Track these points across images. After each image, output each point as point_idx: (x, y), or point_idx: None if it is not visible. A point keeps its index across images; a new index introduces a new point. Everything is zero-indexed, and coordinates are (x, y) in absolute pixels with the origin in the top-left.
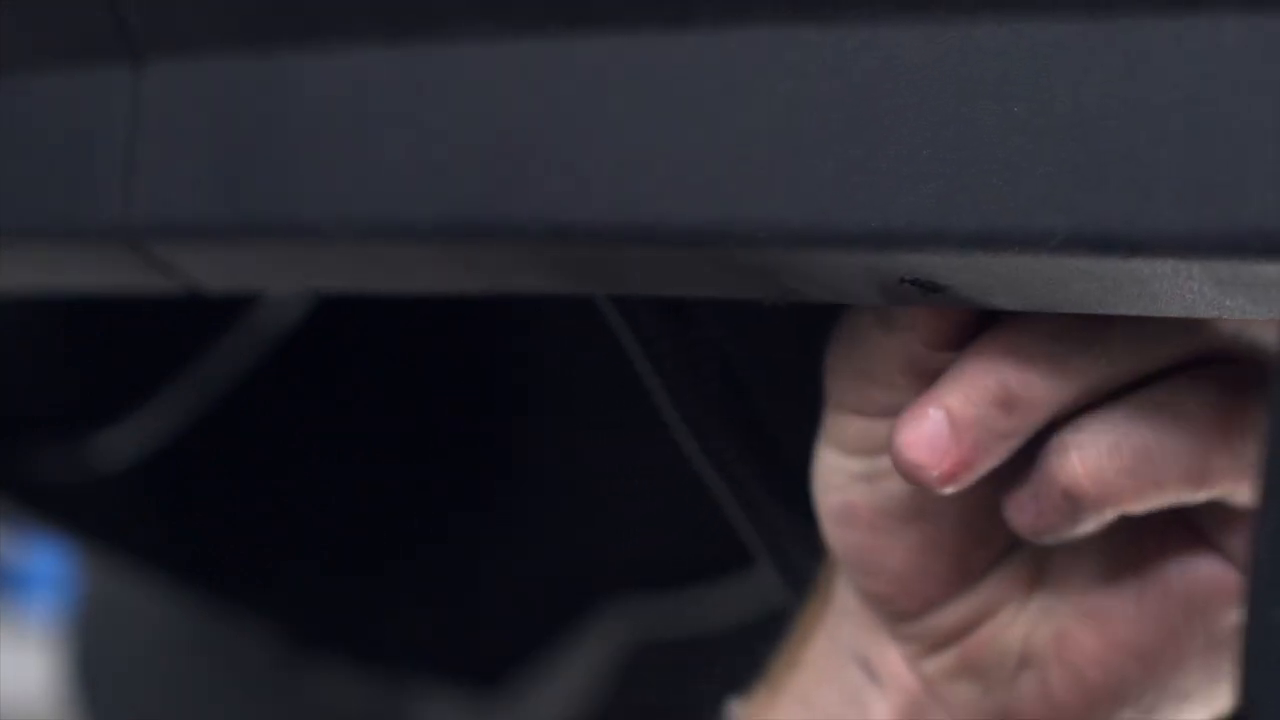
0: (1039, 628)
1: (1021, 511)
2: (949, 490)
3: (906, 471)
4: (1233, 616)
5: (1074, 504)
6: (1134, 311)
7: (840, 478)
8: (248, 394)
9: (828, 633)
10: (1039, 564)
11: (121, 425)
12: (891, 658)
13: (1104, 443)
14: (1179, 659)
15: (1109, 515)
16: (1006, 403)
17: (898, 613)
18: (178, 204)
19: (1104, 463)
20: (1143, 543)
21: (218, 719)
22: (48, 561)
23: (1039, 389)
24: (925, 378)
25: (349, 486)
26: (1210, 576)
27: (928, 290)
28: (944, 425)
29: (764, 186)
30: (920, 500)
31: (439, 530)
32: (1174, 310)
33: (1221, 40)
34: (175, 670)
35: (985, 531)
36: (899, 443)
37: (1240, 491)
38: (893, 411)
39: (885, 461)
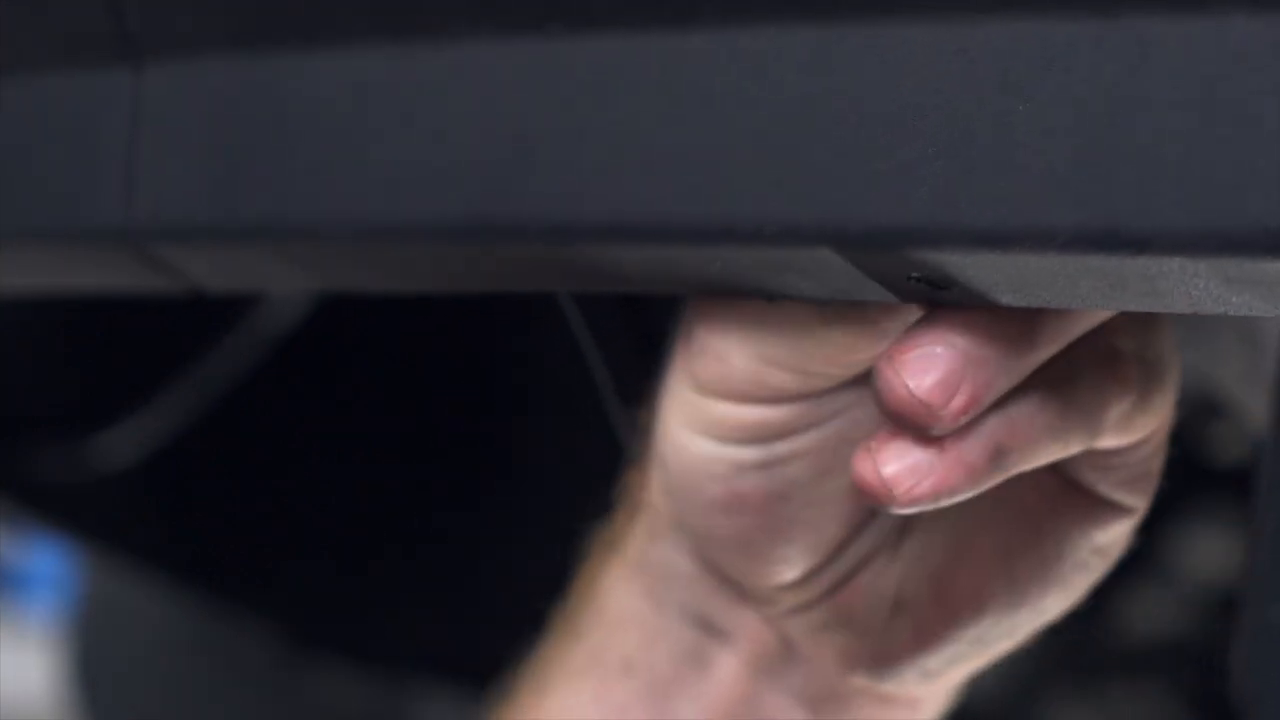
0: (912, 572)
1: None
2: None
3: (910, 412)
4: (1094, 540)
5: (1001, 460)
6: (1141, 308)
7: (725, 467)
8: (248, 394)
9: (643, 594)
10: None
11: (122, 425)
12: (742, 617)
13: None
14: (1045, 584)
15: (1024, 469)
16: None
17: (767, 586)
18: (178, 204)
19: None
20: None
21: (218, 719)
22: (48, 561)
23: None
24: (856, 369)
25: (349, 487)
26: (1073, 506)
27: (936, 287)
28: (957, 361)
29: (769, 185)
30: (816, 478)
31: (439, 530)
32: (1180, 307)
33: (1228, 38)
34: (175, 670)
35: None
36: (912, 387)
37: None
38: (798, 398)
39: (784, 447)
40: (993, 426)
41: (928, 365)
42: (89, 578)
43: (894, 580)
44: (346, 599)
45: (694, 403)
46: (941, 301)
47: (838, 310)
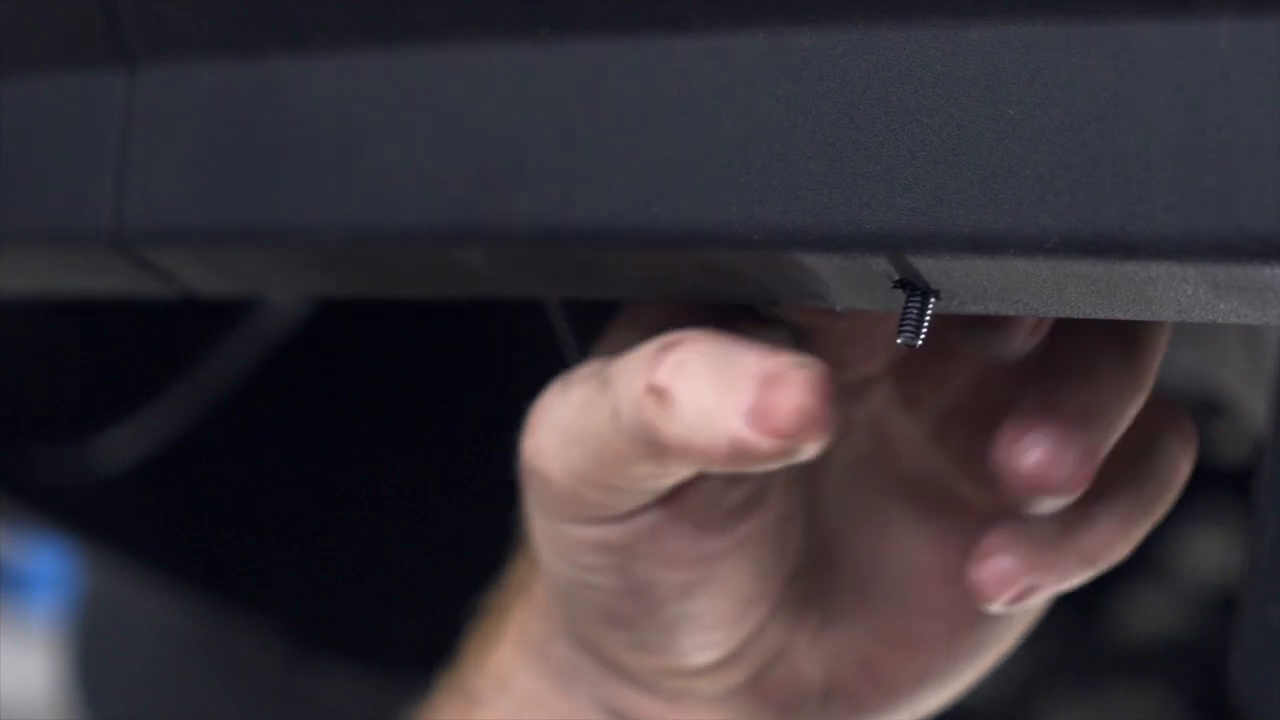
0: (841, 660)
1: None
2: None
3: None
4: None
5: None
6: (1130, 315)
7: (590, 585)
8: (249, 395)
9: (550, 681)
10: (821, 604)
11: (123, 427)
12: (658, 708)
13: None
14: (976, 649)
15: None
16: None
17: (673, 684)
18: (170, 208)
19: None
20: (925, 563)
21: (218, 719)
22: (48, 561)
23: None
24: (659, 489)
25: (350, 487)
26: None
27: (921, 294)
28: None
29: (757, 188)
30: (686, 584)
31: (440, 531)
32: (1169, 314)
33: (1216, 42)
34: (175, 670)
35: (758, 587)
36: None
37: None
38: (622, 517)
39: (638, 562)
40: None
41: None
42: (89, 578)
43: (820, 668)
44: (347, 599)
45: (544, 526)
46: (923, 308)
47: (634, 427)
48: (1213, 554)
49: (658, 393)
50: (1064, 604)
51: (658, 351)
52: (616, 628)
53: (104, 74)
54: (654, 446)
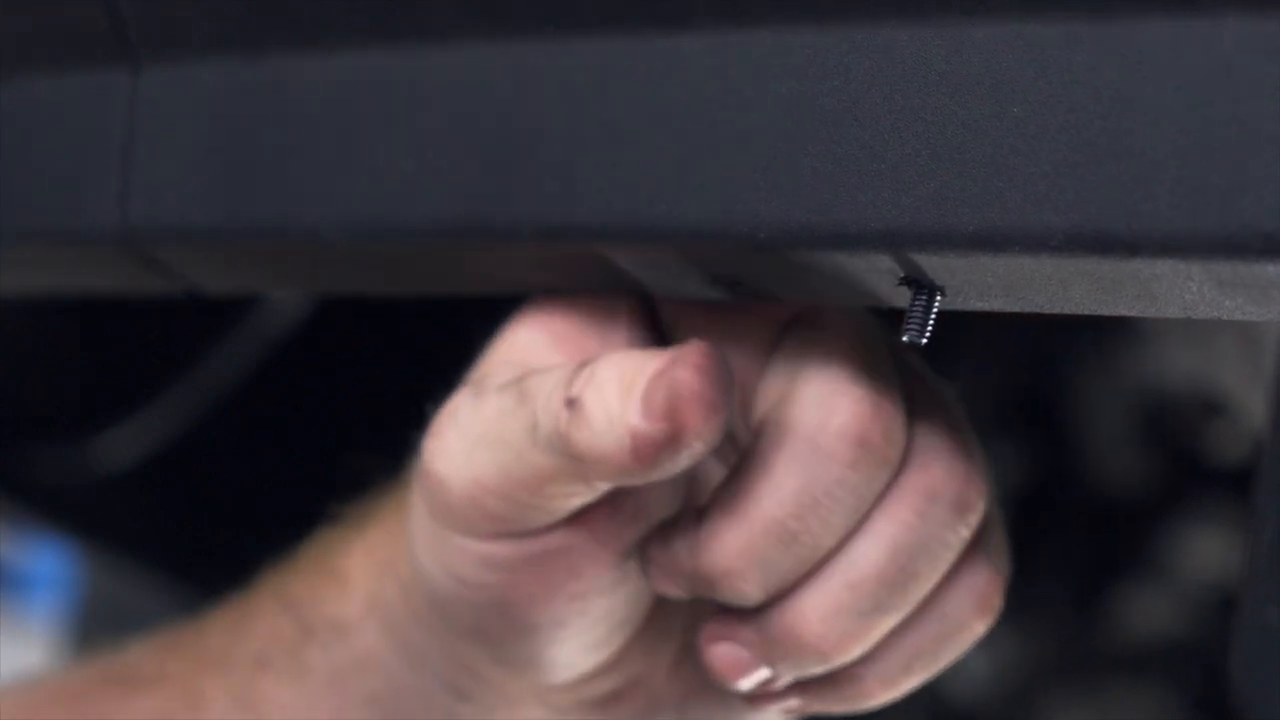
0: (698, 689)
1: None
2: None
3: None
4: None
5: None
6: (1134, 312)
7: (461, 599)
8: (249, 395)
9: (395, 651)
10: (682, 636)
11: (123, 426)
12: (509, 697)
13: None
14: None
15: None
16: None
17: (528, 689)
18: (175, 206)
19: None
20: None
21: None
22: (48, 561)
23: None
24: (561, 509)
25: (350, 487)
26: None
27: (928, 291)
28: None
29: (762, 187)
30: (561, 603)
31: None
32: (1174, 311)
33: (1221, 41)
34: None
35: (629, 612)
36: None
37: None
38: (518, 534)
39: (518, 583)
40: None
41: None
42: (89, 578)
43: (676, 691)
44: None
45: (430, 533)
46: (929, 305)
47: (549, 439)
48: (1213, 554)
49: (570, 403)
50: (1064, 604)
51: (576, 368)
52: (481, 642)
53: (108, 73)
54: (566, 457)
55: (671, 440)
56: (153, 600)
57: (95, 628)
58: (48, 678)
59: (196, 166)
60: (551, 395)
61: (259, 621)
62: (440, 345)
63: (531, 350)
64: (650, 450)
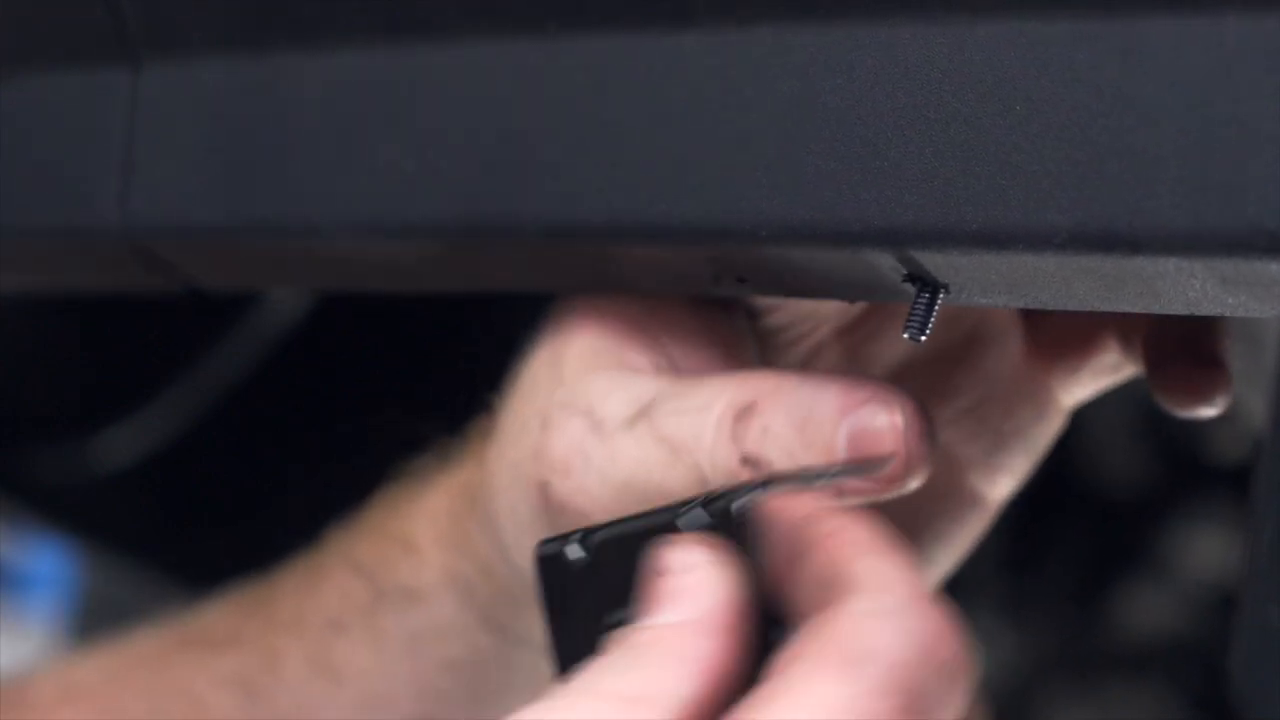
0: None
1: None
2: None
3: None
4: None
5: None
6: (1137, 309)
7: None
8: (249, 394)
9: (481, 629)
10: None
11: (122, 425)
12: None
13: None
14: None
15: None
16: None
17: None
18: (175, 204)
19: None
20: None
21: None
22: (48, 561)
23: None
24: None
25: (350, 486)
26: None
27: (931, 289)
28: None
29: (764, 185)
30: None
31: None
32: (1177, 308)
33: (1223, 39)
34: None
35: None
36: None
37: None
38: None
39: None
40: None
41: None
42: (89, 578)
43: None
44: None
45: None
46: (932, 302)
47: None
48: (1213, 554)
49: (754, 462)
50: (1064, 603)
51: (736, 420)
52: None
53: (109, 71)
54: None
55: (876, 494)
56: (152, 600)
57: (95, 627)
58: (127, 643)
59: (196, 165)
60: (717, 451)
61: (330, 584)
62: (440, 345)
63: (604, 356)
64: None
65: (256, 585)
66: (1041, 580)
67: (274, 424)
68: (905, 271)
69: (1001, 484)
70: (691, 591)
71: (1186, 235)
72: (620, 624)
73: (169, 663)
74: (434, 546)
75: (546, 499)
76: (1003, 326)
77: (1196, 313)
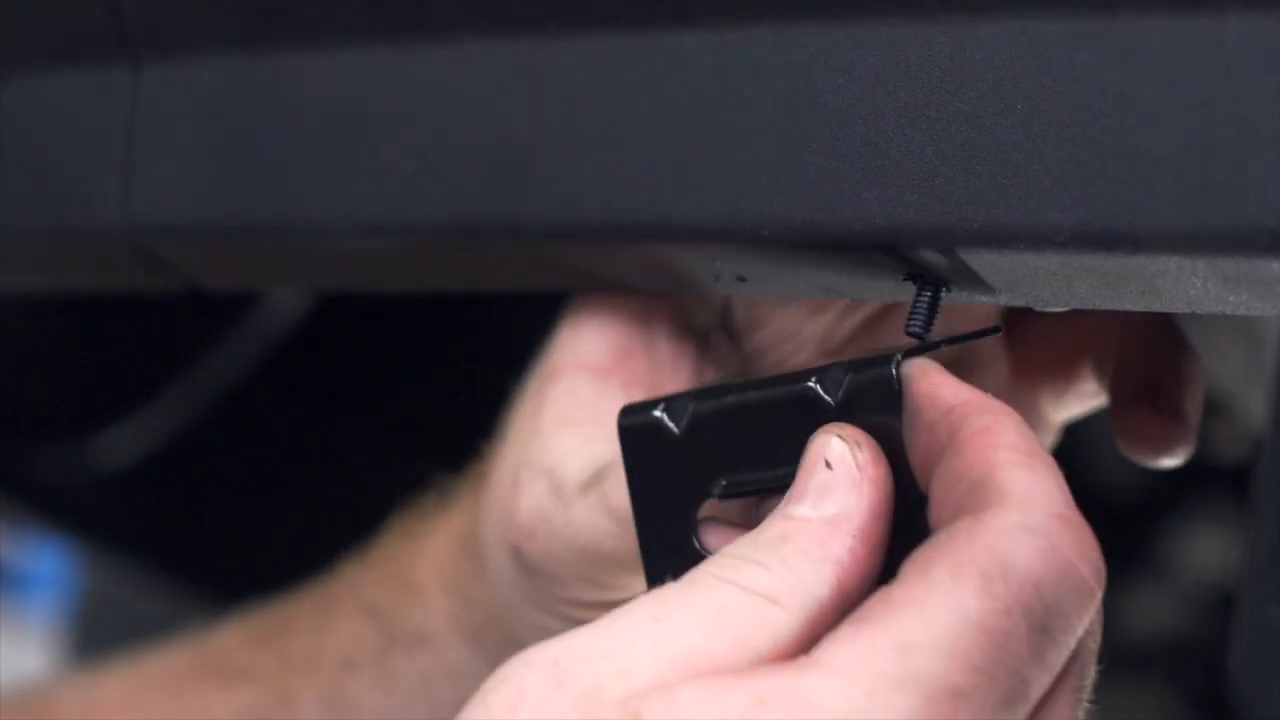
0: None
1: None
2: None
3: None
4: None
5: None
6: (1139, 307)
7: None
8: (249, 394)
9: (494, 665)
10: None
11: (123, 425)
12: None
13: None
14: None
15: None
16: None
17: None
18: (176, 204)
19: None
20: None
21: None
22: (48, 561)
23: None
24: None
25: (350, 486)
26: None
27: (933, 287)
28: None
29: (765, 184)
30: None
31: None
32: (1178, 306)
33: (1223, 39)
34: None
35: None
36: None
37: None
38: None
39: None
40: None
41: None
42: (89, 578)
43: None
44: None
45: (534, 600)
46: (934, 301)
47: None
48: (1213, 554)
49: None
50: None
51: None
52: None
53: (109, 71)
54: None
55: None
56: (153, 600)
57: (95, 627)
58: (146, 665)
59: (197, 165)
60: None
61: (341, 623)
62: (440, 345)
63: (580, 407)
64: None
65: (270, 613)
66: None
67: (274, 424)
68: (906, 270)
69: None
70: (844, 488)
71: (1187, 234)
72: (724, 493)
73: (185, 690)
74: (440, 593)
75: (520, 561)
76: (989, 354)
77: (1198, 310)
